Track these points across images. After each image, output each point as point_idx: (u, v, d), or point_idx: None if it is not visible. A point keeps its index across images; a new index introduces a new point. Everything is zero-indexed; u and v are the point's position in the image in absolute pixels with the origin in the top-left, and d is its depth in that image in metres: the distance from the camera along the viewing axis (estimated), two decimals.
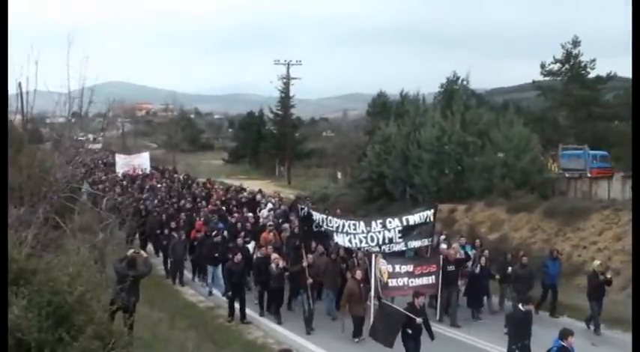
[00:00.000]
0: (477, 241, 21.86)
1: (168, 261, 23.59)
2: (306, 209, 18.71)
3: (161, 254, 25.41)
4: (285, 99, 68.23)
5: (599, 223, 26.91)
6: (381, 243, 18.08)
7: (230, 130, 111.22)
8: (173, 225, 23.86)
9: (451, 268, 18.13)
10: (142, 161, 48.53)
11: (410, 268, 17.30)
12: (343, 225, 18.06)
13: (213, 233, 21.91)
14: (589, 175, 34.62)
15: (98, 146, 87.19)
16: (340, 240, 18.08)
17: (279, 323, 17.95)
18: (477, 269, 18.70)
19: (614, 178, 33.05)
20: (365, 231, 18.04)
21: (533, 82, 46.74)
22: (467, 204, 34.05)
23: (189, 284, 22.94)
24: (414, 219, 18.69)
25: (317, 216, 18.60)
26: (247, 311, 18.47)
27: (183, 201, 30.56)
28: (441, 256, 18.20)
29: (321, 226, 18.17)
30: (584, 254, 25.58)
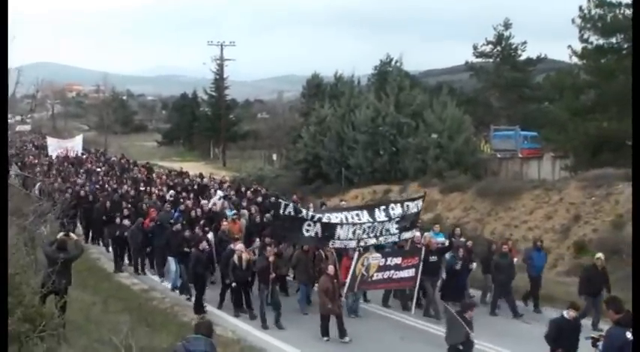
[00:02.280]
0: (457, 229, 19.87)
1: (122, 250, 22.08)
2: (290, 205, 16.32)
3: (101, 243, 24.73)
4: (219, 81, 67.56)
5: (530, 202, 27.54)
6: (378, 234, 16.78)
7: (163, 112, 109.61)
8: (125, 212, 22.58)
9: (433, 258, 16.87)
10: (74, 144, 47.43)
11: (398, 260, 16.46)
12: (346, 218, 16.39)
13: (171, 221, 20.50)
14: (520, 156, 35.39)
15: (27, 128, 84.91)
16: (344, 233, 16.19)
17: (253, 318, 16.50)
18: (458, 266, 16.92)
19: (544, 158, 33.92)
20: (370, 220, 16.54)
21: (466, 63, 47.42)
22: (401, 185, 34.46)
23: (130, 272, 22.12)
24: (412, 207, 17.45)
25: (313, 212, 16.81)
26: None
27: (125, 187, 29.40)
28: (423, 247, 16.99)
29: (314, 220, 16.00)
30: (516, 233, 26.13)
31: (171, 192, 27.82)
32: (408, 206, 17.41)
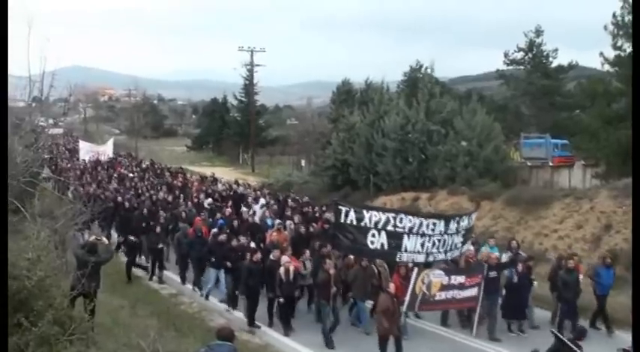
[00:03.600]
0: (514, 242, 18.58)
1: (161, 261, 21.19)
2: (352, 212, 14.25)
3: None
4: (249, 86, 67.83)
5: (560, 211, 27.15)
6: (448, 249, 15.34)
7: (193, 117, 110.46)
8: (162, 221, 21.84)
9: (493, 274, 15.73)
10: (105, 148, 47.91)
11: (462, 279, 15.00)
12: (420, 225, 14.58)
13: (214, 231, 19.71)
14: (550, 164, 35.03)
15: (60, 131, 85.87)
16: (411, 245, 14.49)
17: (287, 334, 15.81)
18: (515, 278, 15.87)
19: (575, 167, 33.51)
20: (442, 232, 14.99)
21: (497, 70, 47.09)
22: (430, 193, 34.25)
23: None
24: (473, 219, 16.52)
25: (374, 215, 14.44)
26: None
27: (162, 194, 28.57)
28: (485, 263, 15.95)
29: (378, 228, 14.21)
30: (546, 242, 25.83)
31: (209, 199, 27.20)
32: (471, 217, 16.50)
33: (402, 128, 36.57)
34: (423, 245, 14.60)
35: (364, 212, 14.27)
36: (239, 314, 17.45)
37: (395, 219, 14.30)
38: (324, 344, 14.83)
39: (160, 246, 20.88)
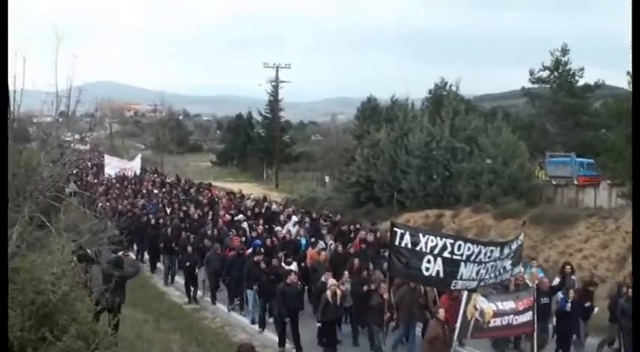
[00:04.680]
0: (568, 267, 17.60)
1: (194, 281, 20.82)
2: (407, 235, 13.73)
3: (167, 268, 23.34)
4: (274, 103, 68.12)
5: (586, 231, 26.97)
6: (497, 273, 14.69)
7: (218, 132, 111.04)
8: (191, 240, 21.67)
9: (545, 300, 14.94)
10: (133, 164, 48.26)
11: (512, 304, 14.02)
12: (479, 253, 13.91)
13: (249, 251, 19.42)
14: (576, 183, 34.73)
15: (86, 147, 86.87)
16: (467, 273, 13.84)
17: None
18: (568, 306, 14.97)
19: (601, 186, 33.18)
20: (496, 258, 14.37)
21: (523, 88, 46.91)
22: (454, 210, 34.11)
23: (176, 286, 22.34)
24: (520, 240, 15.97)
25: (431, 239, 13.81)
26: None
27: (192, 210, 28.32)
28: (535, 286, 15.12)
29: (434, 254, 13.61)
30: (571, 261, 25.56)
31: (241, 216, 26.80)
32: (520, 239, 15.88)
33: (427, 145, 36.52)
34: (478, 272, 14.03)
35: (420, 236, 13.73)
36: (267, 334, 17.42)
37: (453, 245, 13.67)
38: None
39: (192, 265, 20.48)
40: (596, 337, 16.27)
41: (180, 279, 22.13)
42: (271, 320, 17.01)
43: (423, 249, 13.53)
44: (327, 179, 55.33)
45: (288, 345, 15.84)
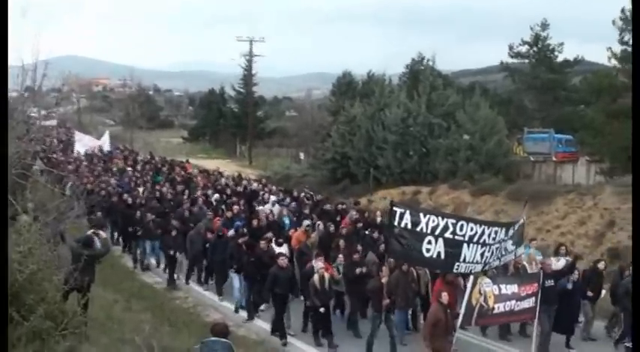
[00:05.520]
0: (563, 248, 17.00)
1: (176, 261, 19.85)
2: (407, 214, 12.75)
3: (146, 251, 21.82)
4: (248, 77, 67.38)
5: (563, 207, 27.03)
6: (500, 255, 13.87)
7: (190, 108, 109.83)
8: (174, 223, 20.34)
9: (550, 283, 14.20)
10: (102, 141, 47.19)
11: (515, 288, 13.50)
12: (482, 234, 13.05)
13: (230, 232, 18.38)
14: (554, 159, 34.74)
15: (53, 123, 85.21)
16: (470, 254, 12.97)
17: (333, 347, 14.43)
18: (570, 285, 14.50)
19: (579, 163, 33.25)
20: (501, 240, 13.56)
21: (501, 63, 46.80)
22: (431, 187, 34.02)
23: (153, 270, 21.58)
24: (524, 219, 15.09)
25: (432, 219, 12.87)
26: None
27: (165, 189, 27.09)
28: (540, 271, 14.49)
29: (435, 235, 12.77)
30: (548, 238, 25.53)
31: (216, 195, 25.92)
32: (522, 219, 14.87)
33: (403, 121, 36.24)
34: (482, 255, 13.06)
35: (421, 215, 12.77)
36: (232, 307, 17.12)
37: (455, 225, 12.77)
38: None
39: (176, 250, 19.56)
40: (602, 321, 15.82)
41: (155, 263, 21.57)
42: (262, 307, 16.37)
43: (424, 230, 12.61)
44: (301, 156, 54.95)
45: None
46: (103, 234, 14.06)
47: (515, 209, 28.54)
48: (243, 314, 16.63)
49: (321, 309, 14.20)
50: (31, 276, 8.82)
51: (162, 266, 21.17)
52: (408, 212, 12.70)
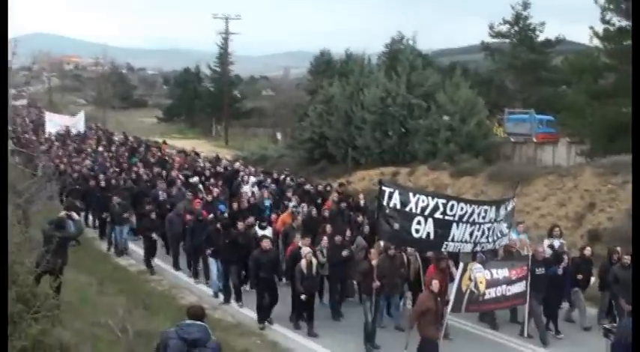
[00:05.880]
0: (557, 229, 16.59)
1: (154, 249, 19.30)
2: (396, 194, 12.55)
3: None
4: (224, 56, 66.71)
5: (543, 188, 26.82)
6: (495, 237, 13.71)
7: (164, 87, 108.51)
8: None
9: (540, 270, 13.94)
10: (75, 121, 46.27)
11: (506, 272, 13.26)
12: (472, 213, 12.94)
13: (211, 215, 18.02)
14: (534, 140, 34.60)
15: (23, 102, 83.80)
16: (459, 234, 12.88)
17: (313, 335, 14.05)
18: (560, 270, 14.26)
19: (560, 143, 33.14)
20: (492, 219, 13.36)
21: (482, 43, 46.57)
22: (410, 168, 33.65)
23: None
24: (514, 201, 15.07)
25: (422, 200, 12.70)
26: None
27: (141, 171, 26.47)
28: (530, 255, 14.34)
29: (425, 215, 12.58)
30: (528, 219, 25.33)
31: (196, 178, 25.25)
32: (514, 201, 14.99)
33: (382, 101, 35.81)
34: (472, 234, 13.06)
35: (410, 195, 12.66)
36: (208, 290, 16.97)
37: (445, 205, 12.71)
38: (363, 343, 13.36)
39: (154, 234, 18.96)
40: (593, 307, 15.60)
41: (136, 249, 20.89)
42: (246, 287, 16.17)
43: (413, 210, 12.52)
44: (279, 136, 54.58)
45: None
46: (75, 215, 13.87)
47: (495, 190, 28.47)
48: (221, 297, 16.39)
49: (302, 297, 13.85)
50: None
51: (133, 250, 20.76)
52: (397, 191, 12.58)
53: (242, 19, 64.55)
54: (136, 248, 20.79)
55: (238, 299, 15.90)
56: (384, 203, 12.48)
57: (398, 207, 12.48)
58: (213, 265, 16.68)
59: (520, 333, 14.07)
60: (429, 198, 12.83)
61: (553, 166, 30.09)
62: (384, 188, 12.67)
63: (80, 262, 17.10)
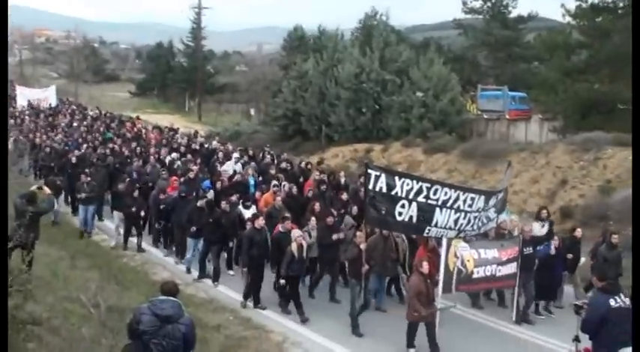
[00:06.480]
0: (544, 212, 16.10)
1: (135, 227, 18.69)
2: (382, 177, 12.19)
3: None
4: (197, 30, 66.00)
5: (516, 165, 26.82)
6: (481, 224, 13.39)
7: (137, 61, 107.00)
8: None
9: (528, 250, 13.76)
10: (47, 94, 45.47)
11: (495, 253, 13.01)
12: (456, 199, 12.61)
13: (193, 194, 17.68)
14: (507, 117, 34.72)
15: None
16: (443, 219, 12.53)
17: (304, 321, 13.61)
18: (552, 250, 13.99)
19: (532, 120, 33.28)
20: (480, 209, 13.05)
21: (454, 19, 46.44)
22: (383, 144, 33.79)
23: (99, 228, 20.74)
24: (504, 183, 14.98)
25: (407, 183, 12.34)
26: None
27: (116, 147, 25.97)
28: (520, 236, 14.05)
29: (409, 198, 12.28)
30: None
31: (174, 154, 24.55)
32: (505, 185, 14.79)
33: (356, 77, 35.72)
34: (456, 221, 12.68)
35: (396, 178, 12.30)
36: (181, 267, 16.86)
37: (429, 189, 12.36)
38: (350, 329, 13.08)
39: (138, 210, 18.39)
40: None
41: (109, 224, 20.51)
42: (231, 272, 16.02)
43: (399, 193, 12.19)
44: (252, 112, 54.30)
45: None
46: (47, 190, 13.74)
47: (467, 167, 28.67)
48: (194, 273, 16.27)
49: (282, 281, 13.65)
50: None
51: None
52: (383, 175, 12.23)
53: None
54: (109, 223, 20.59)
55: (215, 280, 15.69)
56: (370, 187, 12.18)
57: (384, 190, 12.18)
58: (191, 242, 16.46)
59: (514, 318, 13.81)
60: (414, 181, 12.54)
61: (525, 143, 30.26)
62: (369, 171, 12.27)
63: (52, 237, 17.05)
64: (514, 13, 45.07)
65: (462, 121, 34.76)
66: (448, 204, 12.50)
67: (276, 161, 24.02)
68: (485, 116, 36.03)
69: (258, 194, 18.42)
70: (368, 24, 42.54)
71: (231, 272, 16.30)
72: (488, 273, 12.91)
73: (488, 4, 44.13)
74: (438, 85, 34.15)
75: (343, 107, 35.83)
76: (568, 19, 31.35)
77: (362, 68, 35.82)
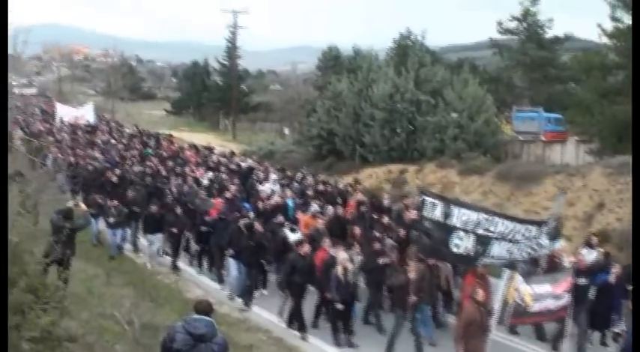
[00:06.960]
0: (594, 238, 15.57)
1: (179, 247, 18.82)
2: (439, 206, 11.72)
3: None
4: (232, 50, 66.51)
5: (552, 188, 26.67)
6: (531, 250, 12.76)
7: (173, 80, 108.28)
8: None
9: (583, 281, 12.97)
10: (84, 112, 46.00)
11: (548, 288, 12.27)
12: (515, 231, 12.09)
13: (234, 215, 17.41)
14: (543, 139, 34.39)
15: (33, 91, 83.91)
16: (499, 251, 12.04)
17: (351, 345, 13.46)
18: (612, 277, 13.08)
19: (568, 142, 32.95)
20: (536, 236, 12.43)
21: (490, 39, 46.33)
22: (418, 165, 33.63)
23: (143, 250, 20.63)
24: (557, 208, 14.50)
25: (464, 213, 11.86)
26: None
27: (154, 165, 26.19)
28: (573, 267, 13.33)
29: (467, 230, 11.79)
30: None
31: (210, 173, 24.64)
32: (558, 212, 14.22)
33: (391, 97, 35.67)
34: (509, 251, 12.18)
35: (453, 208, 11.81)
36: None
37: (488, 221, 11.86)
38: None
39: (181, 229, 18.45)
40: None
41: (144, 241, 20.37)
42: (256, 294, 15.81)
43: (456, 224, 11.75)
44: (286, 131, 54.40)
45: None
46: (83, 206, 13.88)
47: (502, 189, 28.36)
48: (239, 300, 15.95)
49: (339, 306, 13.22)
50: (13, 249, 8.22)
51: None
52: (440, 203, 11.82)
53: (249, 13, 64.44)
54: (144, 241, 20.47)
55: (249, 300, 15.59)
56: (425, 214, 11.79)
57: (440, 219, 11.73)
58: (233, 266, 16.12)
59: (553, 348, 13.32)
60: (472, 211, 12.10)
61: (561, 165, 29.95)
62: (425, 198, 11.94)
63: (88, 253, 17.17)
64: (550, 34, 44.83)
65: (496, 142, 34.53)
66: (507, 237, 12.03)
67: (312, 183, 23.73)
68: (520, 137, 35.76)
69: (298, 215, 18.17)
70: (403, 44, 42.59)
71: (265, 291, 16.27)
72: (543, 308, 12.22)
73: (524, 24, 43.88)
74: (472, 105, 34.03)
75: (378, 127, 35.76)
76: (604, 39, 31.10)
77: (396, 88, 35.80)
